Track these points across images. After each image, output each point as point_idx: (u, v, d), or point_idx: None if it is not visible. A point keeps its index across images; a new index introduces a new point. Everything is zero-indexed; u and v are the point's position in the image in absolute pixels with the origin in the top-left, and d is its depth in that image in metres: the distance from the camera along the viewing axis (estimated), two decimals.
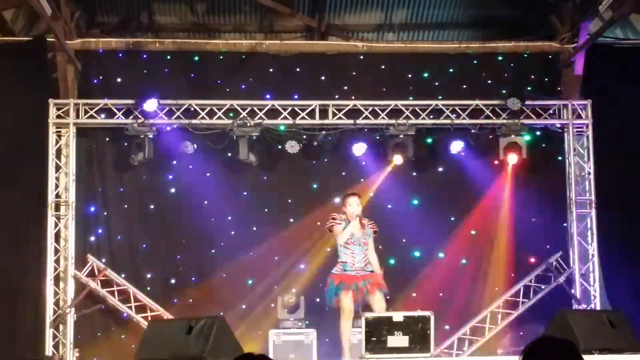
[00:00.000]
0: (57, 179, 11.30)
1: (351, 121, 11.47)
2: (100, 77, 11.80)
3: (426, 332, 7.89)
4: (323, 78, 11.95)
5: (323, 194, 11.55)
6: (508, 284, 11.54)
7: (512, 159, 11.33)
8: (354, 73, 11.91)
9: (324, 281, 8.83)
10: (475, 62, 12.02)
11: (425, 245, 11.55)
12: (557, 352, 3.12)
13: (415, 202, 11.72)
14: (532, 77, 12.05)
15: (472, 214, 11.63)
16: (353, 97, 11.66)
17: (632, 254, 11.36)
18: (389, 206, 11.57)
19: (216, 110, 11.39)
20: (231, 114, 11.37)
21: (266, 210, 11.67)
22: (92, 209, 11.57)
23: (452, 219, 11.65)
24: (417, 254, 11.59)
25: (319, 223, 11.01)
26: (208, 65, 11.86)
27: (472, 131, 11.49)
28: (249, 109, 11.39)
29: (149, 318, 10.90)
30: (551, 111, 11.76)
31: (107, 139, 11.68)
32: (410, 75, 11.97)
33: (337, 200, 10.49)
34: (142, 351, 8.07)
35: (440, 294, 11.49)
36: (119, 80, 11.78)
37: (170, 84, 11.61)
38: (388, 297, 8.78)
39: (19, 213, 11.22)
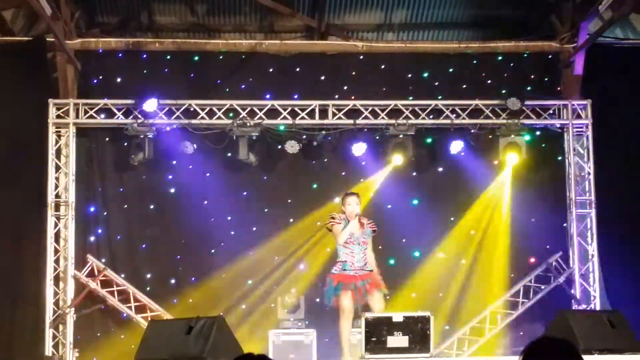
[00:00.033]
0: (57, 179, 11.29)
1: (351, 121, 11.47)
2: (100, 77, 11.79)
3: (426, 333, 7.90)
4: (323, 78, 11.95)
5: (323, 194, 11.54)
6: (508, 284, 11.54)
7: (512, 159, 11.34)
8: (353, 73, 11.90)
9: (324, 281, 8.85)
10: (475, 62, 12.01)
11: (425, 245, 11.56)
12: (557, 353, 3.12)
13: (415, 202, 11.72)
14: (532, 77, 12.04)
15: (472, 214, 11.64)
16: (353, 97, 11.66)
17: (632, 254, 11.36)
18: (389, 206, 11.57)
19: (216, 110, 11.39)
20: (231, 114, 11.36)
21: (266, 210, 11.67)
22: (92, 209, 11.57)
23: (452, 219, 11.65)
24: (417, 254, 11.58)
25: (319, 223, 11.04)
26: (208, 65, 11.86)
27: (472, 131, 11.48)
28: (249, 109, 11.39)
29: (149, 318, 10.88)
30: (551, 111, 11.76)
31: (107, 139, 11.67)
32: (410, 75, 11.96)
33: (337, 200, 10.49)
34: (142, 351, 8.06)
35: (440, 294, 11.50)
36: (118, 80, 11.78)
37: (170, 84, 11.61)
38: (388, 297, 8.78)
39: (18, 213, 11.22)
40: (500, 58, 12.02)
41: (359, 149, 11.40)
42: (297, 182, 11.76)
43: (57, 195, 11.26)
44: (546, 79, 12.08)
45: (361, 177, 11.61)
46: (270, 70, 11.88)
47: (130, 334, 11.01)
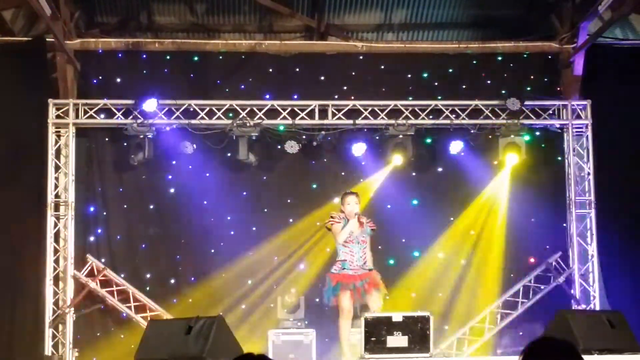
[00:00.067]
0: (57, 179, 11.29)
1: (351, 121, 11.47)
2: (100, 77, 11.79)
3: (425, 332, 7.91)
4: (322, 78, 11.94)
5: (323, 194, 11.55)
6: (507, 284, 11.54)
7: (512, 159, 11.34)
8: (353, 73, 11.90)
9: (323, 281, 8.86)
10: (474, 62, 12.01)
11: (424, 245, 11.55)
12: (557, 353, 3.13)
13: (415, 202, 11.72)
14: (532, 77, 12.04)
15: (472, 214, 11.64)
16: (352, 97, 11.65)
17: (632, 254, 11.36)
18: (389, 206, 11.57)
19: (216, 111, 11.39)
20: (231, 114, 11.36)
21: (266, 210, 11.67)
22: (92, 209, 11.56)
23: (452, 219, 11.65)
24: (416, 254, 11.58)
25: (318, 223, 11.04)
26: (207, 66, 11.85)
27: (472, 131, 11.48)
28: (249, 109, 11.39)
29: (149, 318, 10.88)
30: (551, 111, 11.75)
31: (107, 139, 11.67)
32: (409, 75, 11.96)
33: (336, 200, 10.48)
34: (142, 351, 8.06)
35: (440, 294, 11.50)
36: (118, 80, 11.78)
37: (170, 84, 11.60)
38: (388, 297, 8.79)
39: (18, 213, 11.21)
40: (500, 58, 12.02)
41: (358, 149, 11.40)
42: (297, 182, 11.75)
43: (57, 195, 11.26)
44: (546, 79, 12.08)
45: (361, 177, 11.61)
46: (270, 70, 11.88)
47: (130, 334, 11.01)
